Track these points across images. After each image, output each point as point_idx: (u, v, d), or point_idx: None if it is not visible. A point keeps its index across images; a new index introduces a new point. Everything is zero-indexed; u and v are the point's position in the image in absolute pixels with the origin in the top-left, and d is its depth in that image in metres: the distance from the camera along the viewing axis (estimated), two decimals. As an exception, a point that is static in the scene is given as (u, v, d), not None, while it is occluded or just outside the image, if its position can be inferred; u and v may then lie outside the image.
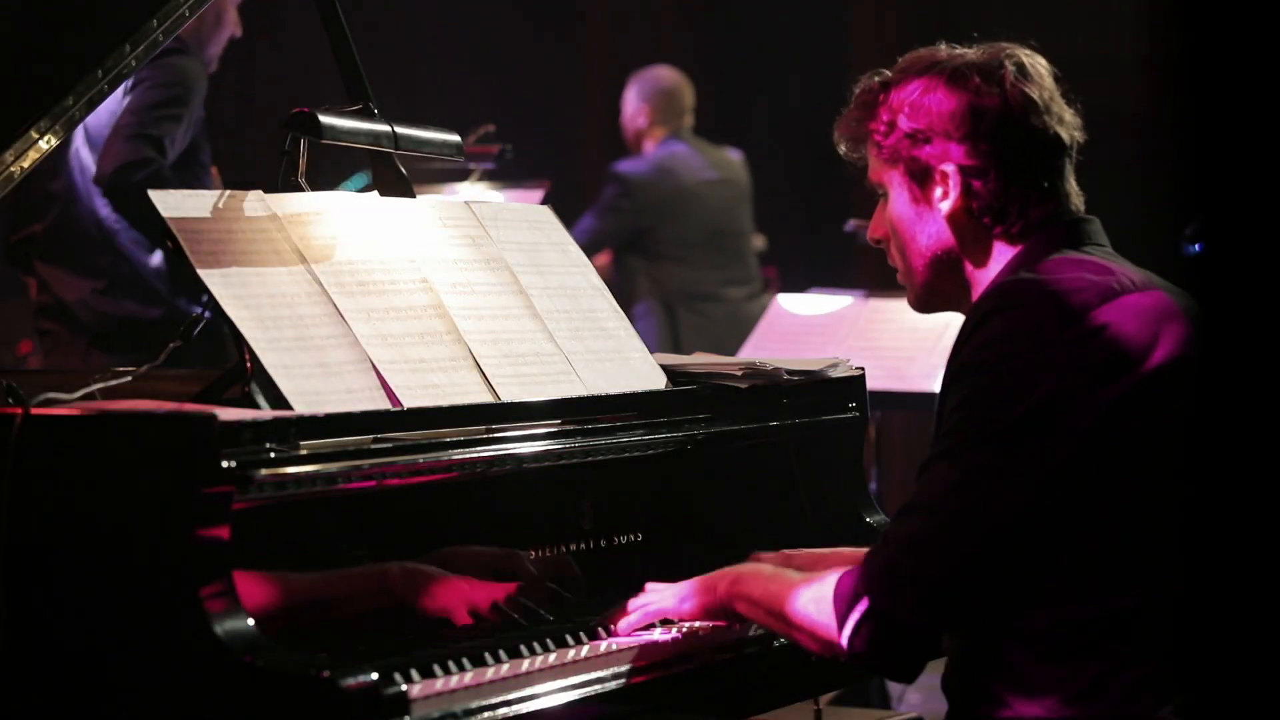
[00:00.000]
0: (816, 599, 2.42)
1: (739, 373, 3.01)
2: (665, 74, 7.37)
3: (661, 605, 2.62)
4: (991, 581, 2.36)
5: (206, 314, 2.59)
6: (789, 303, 6.06)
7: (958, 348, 2.44)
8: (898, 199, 2.57)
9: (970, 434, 2.35)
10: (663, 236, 7.12)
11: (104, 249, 4.85)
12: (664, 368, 3.02)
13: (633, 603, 2.64)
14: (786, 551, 2.79)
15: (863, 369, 3.23)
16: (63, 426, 2.35)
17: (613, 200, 7.13)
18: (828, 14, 8.67)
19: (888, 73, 2.60)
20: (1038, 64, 2.55)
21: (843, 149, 2.65)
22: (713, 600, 2.58)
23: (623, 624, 2.62)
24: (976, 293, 2.54)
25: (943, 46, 2.58)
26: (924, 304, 2.63)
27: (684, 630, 2.65)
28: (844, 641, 2.37)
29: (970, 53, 2.56)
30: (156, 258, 4.87)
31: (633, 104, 7.34)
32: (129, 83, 4.71)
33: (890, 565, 2.35)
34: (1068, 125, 2.53)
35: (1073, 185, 2.55)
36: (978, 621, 2.40)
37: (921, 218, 2.55)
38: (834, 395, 3.16)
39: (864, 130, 2.59)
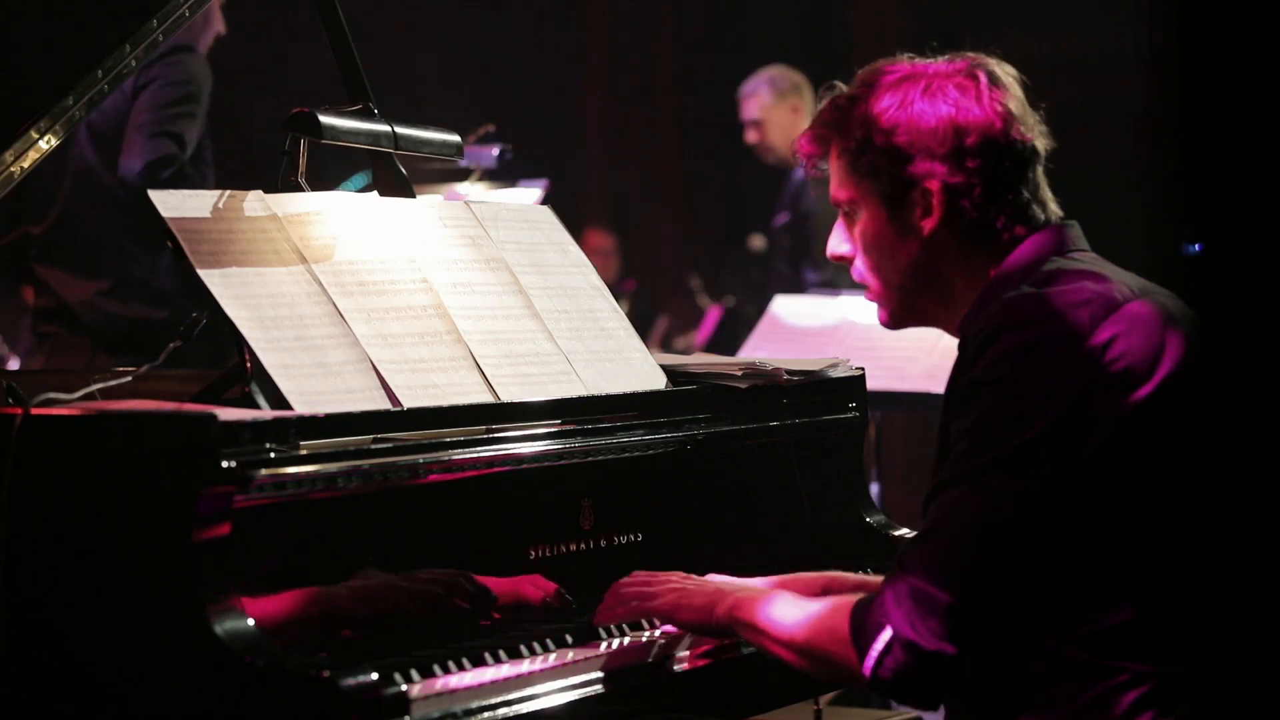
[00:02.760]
0: (830, 629, 2.37)
1: (739, 373, 3.01)
2: (791, 70, 7.37)
3: (651, 609, 2.60)
4: (1012, 604, 2.33)
5: (206, 314, 2.59)
6: (789, 303, 6.06)
7: (962, 366, 2.39)
8: (871, 218, 2.51)
9: (986, 457, 2.31)
10: None
11: (110, 249, 4.84)
12: (664, 368, 3.02)
13: (622, 591, 2.62)
14: (777, 578, 2.72)
15: (863, 369, 3.23)
16: (63, 426, 2.35)
17: None
18: (828, 14, 8.67)
19: (843, 86, 2.54)
20: (1007, 72, 2.50)
21: (800, 163, 2.59)
22: (708, 621, 2.54)
23: (605, 613, 2.60)
24: (959, 309, 2.49)
25: (904, 57, 2.53)
26: (899, 321, 2.58)
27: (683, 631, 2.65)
28: (867, 671, 2.32)
29: (938, 63, 2.50)
30: (166, 258, 4.85)
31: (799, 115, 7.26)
32: (137, 80, 4.71)
33: (912, 592, 2.30)
34: (1038, 133, 2.49)
35: (1048, 192, 2.51)
36: (997, 643, 2.38)
37: (899, 237, 2.49)
38: (834, 395, 3.16)
39: (832, 147, 2.53)
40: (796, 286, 7.13)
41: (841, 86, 2.55)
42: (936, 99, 2.46)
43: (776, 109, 7.36)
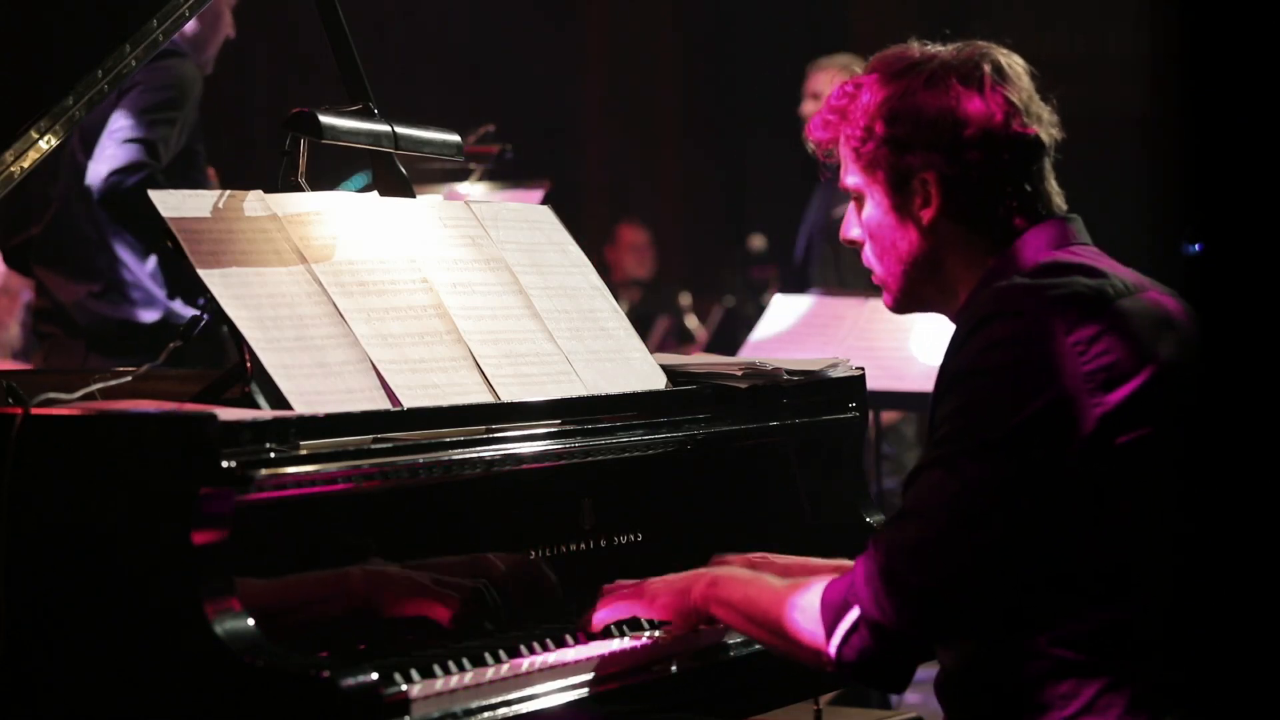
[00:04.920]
0: (802, 606, 2.38)
1: (739, 373, 3.01)
2: None
3: (631, 604, 2.60)
4: (986, 593, 2.33)
5: (206, 314, 2.59)
6: (789, 303, 6.06)
7: (951, 353, 2.40)
8: (875, 205, 2.52)
9: (967, 442, 2.32)
10: None
11: (100, 252, 4.84)
12: (664, 368, 3.02)
13: (605, 598, 2.61)
14: (752, 556, 2.74)
15: (863, 369, 3.23)
16: (63, 426, 2.35)
17: None
18: (828, 12, 8.67)
19: (859, 71, 2.56)
20: (1014, 63, 2.50)
21: (812, 149, 2.61)
22: (686, 603, 2.54)
23: (594, 618, 2.60)
24: (960, 297, 2.50)
25: (915, 45, 2.54)
26: (901, 307, 2.59)
27: (682, 630, 2.65)
28: (832, 651, 2.33)
29: (945, 52, 2.51)
30: (151, 262, 4.86)
31: None
32: (123, 84, 4.71)
33: (881, 573, 2.31)
34: (1046, 124, 2.49)
35: (1053, 185, 2.51)
36: (971, 634, 2.37)
37: (900, 225, 2.51)
38: (834, 395, 3.15)
39: (838, 134, 2.55)
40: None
41: (857, 70, 2.56)
42: (937, 89, 2.46)
43: None
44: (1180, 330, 2.38)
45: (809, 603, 2.37)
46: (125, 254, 4.85)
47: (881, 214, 2.52)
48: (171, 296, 4.84)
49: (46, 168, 4.53)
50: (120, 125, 4.69)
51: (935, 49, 2.52)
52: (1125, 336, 2.34)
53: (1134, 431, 2.31)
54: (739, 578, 2.52)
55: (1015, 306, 2.36)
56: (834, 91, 2.56)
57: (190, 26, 4.83)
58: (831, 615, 2.34)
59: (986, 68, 2.47)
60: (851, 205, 2.59)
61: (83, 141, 4.82)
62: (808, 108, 7.48)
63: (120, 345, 4.76)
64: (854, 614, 2.31)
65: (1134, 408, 2.32)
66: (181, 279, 4.74)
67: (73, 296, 4.87)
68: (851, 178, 2.55)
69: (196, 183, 4.85)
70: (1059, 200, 2.51)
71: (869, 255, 2.57)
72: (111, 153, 4.66)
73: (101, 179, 4.65)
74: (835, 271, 7.24)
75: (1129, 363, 2.33)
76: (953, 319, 2.53)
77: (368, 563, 2.51)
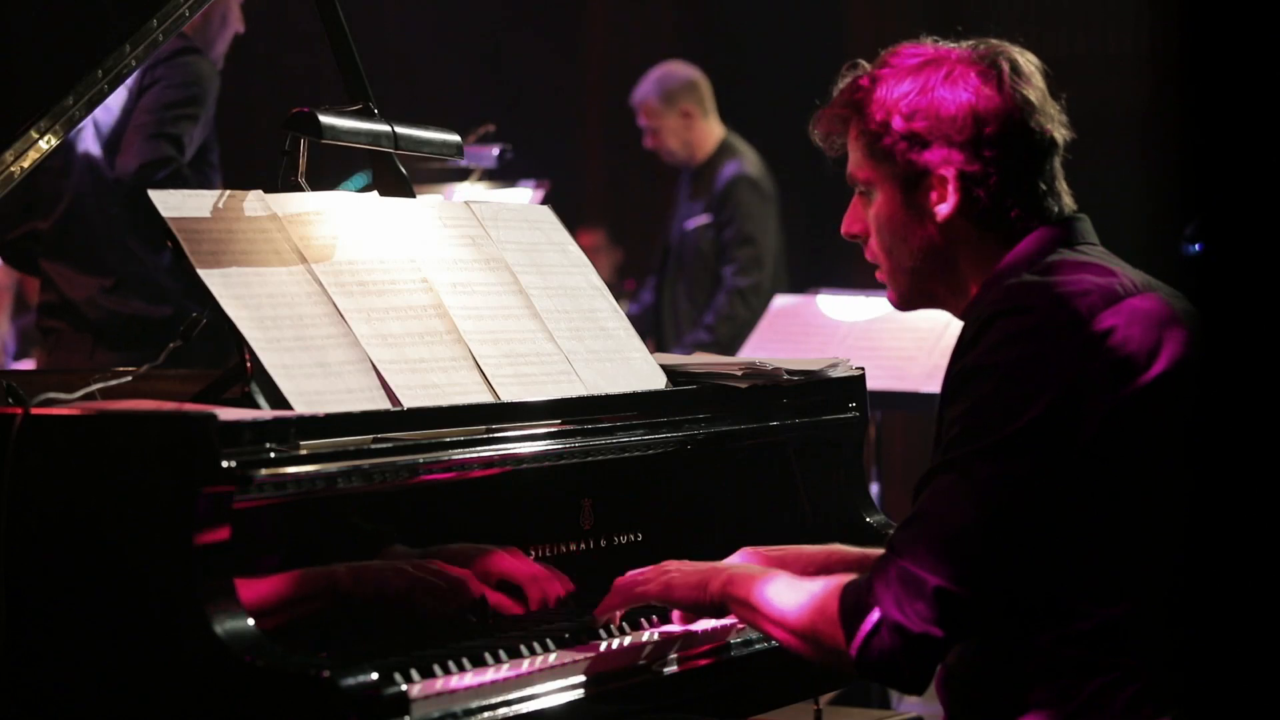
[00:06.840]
0: (820, 608, 2.38)
1: (739, 373, 3.01)
2: (682, 67, 7.30)
3: (646, 592, 2.60)
4: (1001, 592, 2.34)
5: (206, 314, 2.59)
6: (789, 303, 6.06)
7: (960, 351, 2.40)
8: (886, 200, 2.52)
9: (977, 442, 2.32)
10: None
11: (113, 247, 4.85)
12: (664, 368, 3.02)
13: (618, 584, 2.63)
14: (779, 549, 2.75)
15: (863, 369, 3.23)
16: (63, 426, 2.35)
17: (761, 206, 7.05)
18: (826, 13, 8.67)
19: (867, 65, 2.55)
20: (1030, 61, 2.51)
21: (818, 140, 2.60)
22: (703, 597, 2.55)
23: (602, 607, 2.61)
24: (969, 293, 2.51)
25: (929, 41, 2.54)
26: (908, 303, 2.59)
27: (683, 630, 2.66)
28: (853, 652, 2.33)
29: (960, 49, 2.51)
30: (167, 257, 4.86)
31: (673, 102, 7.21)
32: (142, 80, 4.72)
33: (900, 575, 2.31)
34: (1058, 124, 2.50)
35: (1063, 184, 2.52)
36: (986, 632, 2.39)
37: (913, 220, 2.50)
38: (834, 395, 3.16)
39: (851, 127, 2.54)
40: (706, 291, 7.09)
41: (865, 65, 2.55)
42: (957, 86, 2.46)
43: (667, 116, 7.16)
44: (1186, 329, 2.38)
45: (826, 604, 2.37)
46: (138, 249, 4.85)
47: (893, 209, 2.51)
48: (186, 293, 4.84)
49: (56, 163, 4.53)
50: (144, 120, 4.71)
51: (949, 46, 2.52)
52: (1134, 333, 2.35)
53: (1140, 428, 2.32)
54: (755, 576, 2.52)
55: (1025, 303, 2.37)
56: (847, 85, 2.55)
57: (200, 22, 4.86)
58: (852, 617, 2.34)
59: (1005, 65, 2.48)
60: (855, 200, 2.59)
61: (99, 137, 4.83)
62: (647, 142, 7.38)
63: (130, 341, 4.76)
64: (874, 616, 2.32)
65: (1141, 404, 2.32)
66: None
67: (83, 292, 4.87)
68: (862, 171, 2.54)
69: (212, 180, 4.87)
70: (1068, 200, 2.52)
71: (874, 250, 2.56)
72: (139, 147, 4.68)
73: (131, 173, 4.66)
74: (683, 286, 7.20)
75: (1139, 359, 2.34)
76: (959, 316, 2.53)
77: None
